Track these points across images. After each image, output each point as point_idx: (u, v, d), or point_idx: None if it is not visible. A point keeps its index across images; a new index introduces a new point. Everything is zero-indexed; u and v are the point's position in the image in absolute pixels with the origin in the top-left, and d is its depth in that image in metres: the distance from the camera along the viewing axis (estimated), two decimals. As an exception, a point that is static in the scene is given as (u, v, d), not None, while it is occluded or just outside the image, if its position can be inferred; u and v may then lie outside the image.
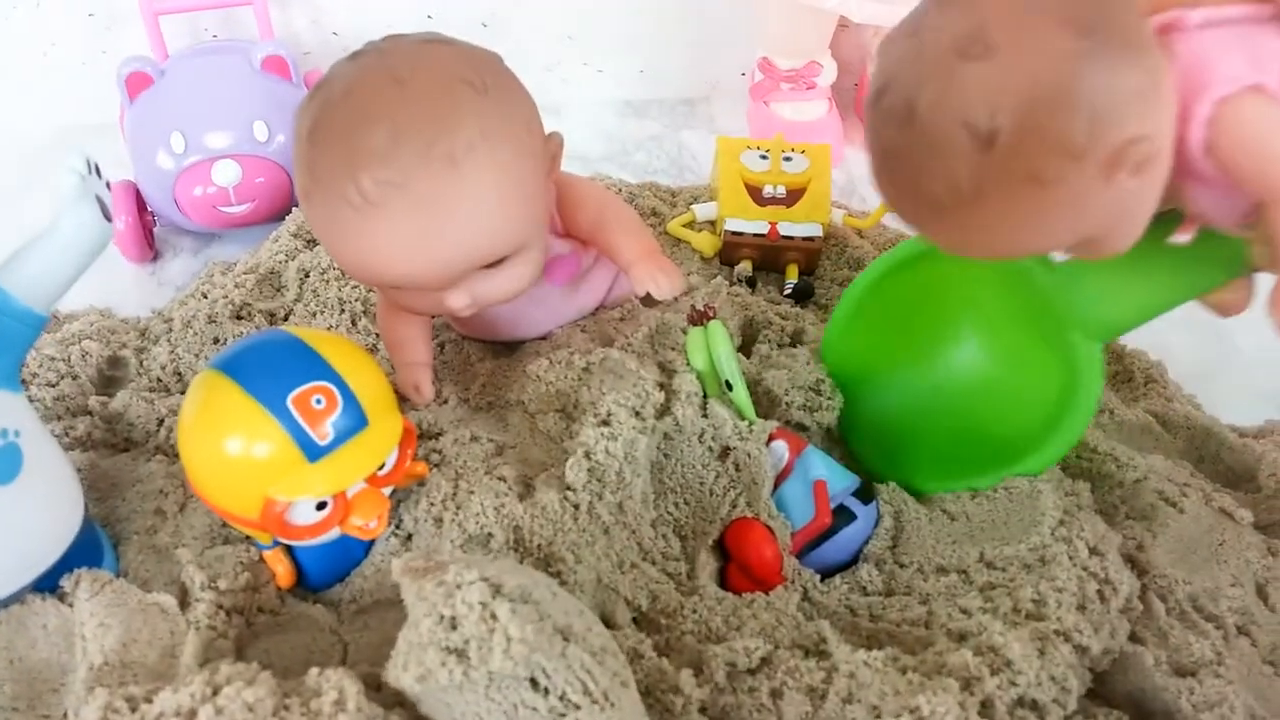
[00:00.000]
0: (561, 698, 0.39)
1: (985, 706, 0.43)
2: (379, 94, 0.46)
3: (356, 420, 0.45)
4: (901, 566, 0.53)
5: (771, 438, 0.55)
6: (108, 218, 0.46)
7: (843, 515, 0.54)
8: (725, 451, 0.55)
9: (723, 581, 0.53)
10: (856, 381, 0.60)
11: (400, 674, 0.40)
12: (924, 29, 0.39)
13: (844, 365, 0.60)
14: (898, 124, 0.39)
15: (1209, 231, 0.45)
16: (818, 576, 0.53)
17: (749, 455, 0.54)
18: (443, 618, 0.40)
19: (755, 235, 0.72)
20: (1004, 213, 0.39)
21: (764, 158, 0.75)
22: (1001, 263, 0.51)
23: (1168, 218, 0.45)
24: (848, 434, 0.61)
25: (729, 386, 0.54)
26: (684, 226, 0.76)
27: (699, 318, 0.53)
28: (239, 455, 0.44)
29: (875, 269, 0.59)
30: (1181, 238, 0.45)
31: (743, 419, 0.54)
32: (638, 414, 0.52)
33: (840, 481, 0.55)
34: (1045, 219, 0.39)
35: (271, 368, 0.44)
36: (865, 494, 0.56)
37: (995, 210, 0.39)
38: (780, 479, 0.55)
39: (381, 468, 0.47)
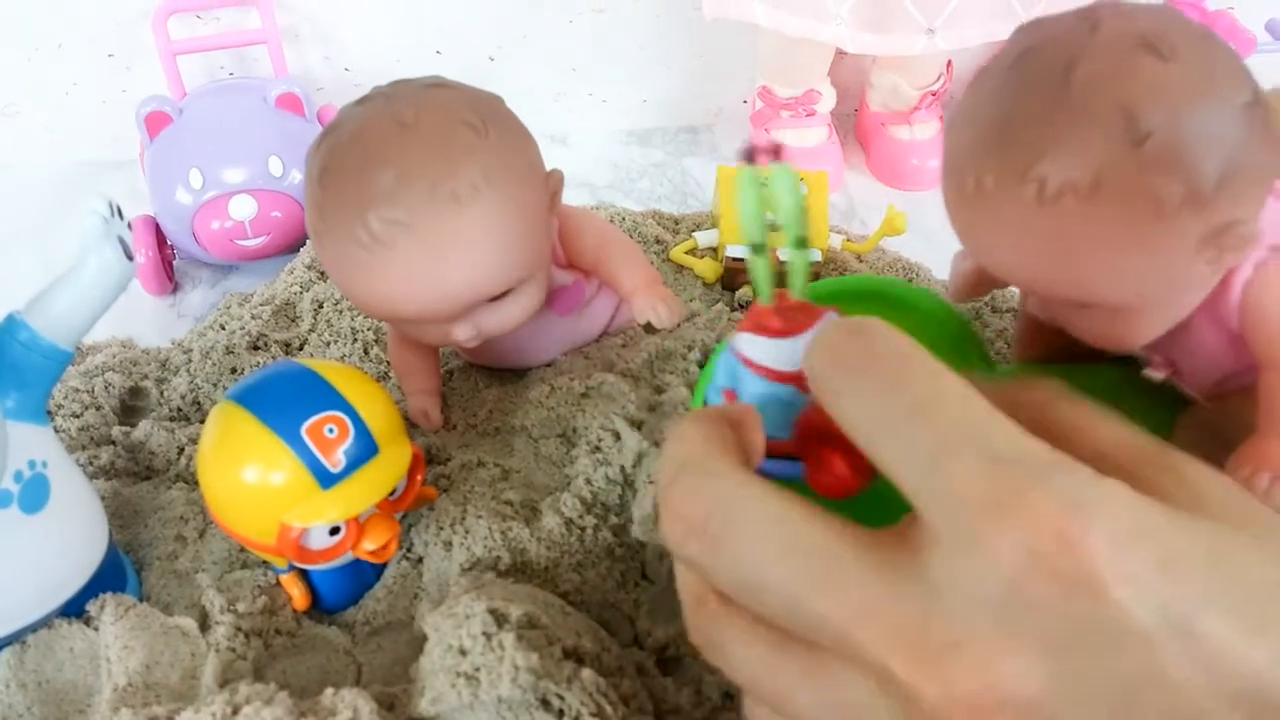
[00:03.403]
0: (576, 718, 0.41)
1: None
2: (386, 138, 0.47)
3: (368, 448, 0.47)
4: None
5: None
6: (129, 256, 0.48)
7: None
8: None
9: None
10: None
11: (418, 700, 0.42)
12: (1103, 16, 0.36)
13: None
14: (1043, 85, 0.35)
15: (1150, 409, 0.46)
16: None
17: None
18: (450, 647, 0.42)
19: (755, 261, 0.73)
20: (1102, 225, 0.35)
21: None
22: (951, 336, 0.50)
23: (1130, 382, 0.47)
24: None
25: (801, 243, 0.33)
26: (686, 253, 0.78)
27: (756, 154, 0.33)
28: (256, 484, 0.45)
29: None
30: (1155, 374, 0.45)
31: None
32: (622, 437, 0.54)
33: None
34: (1128, 252, 0.36)
35: (286, 399, 0.46)
36: None
37: (1096, 218, 0.35)
38: None
39: (392, 493, 0.49)
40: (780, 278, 0.31)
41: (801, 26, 0.78)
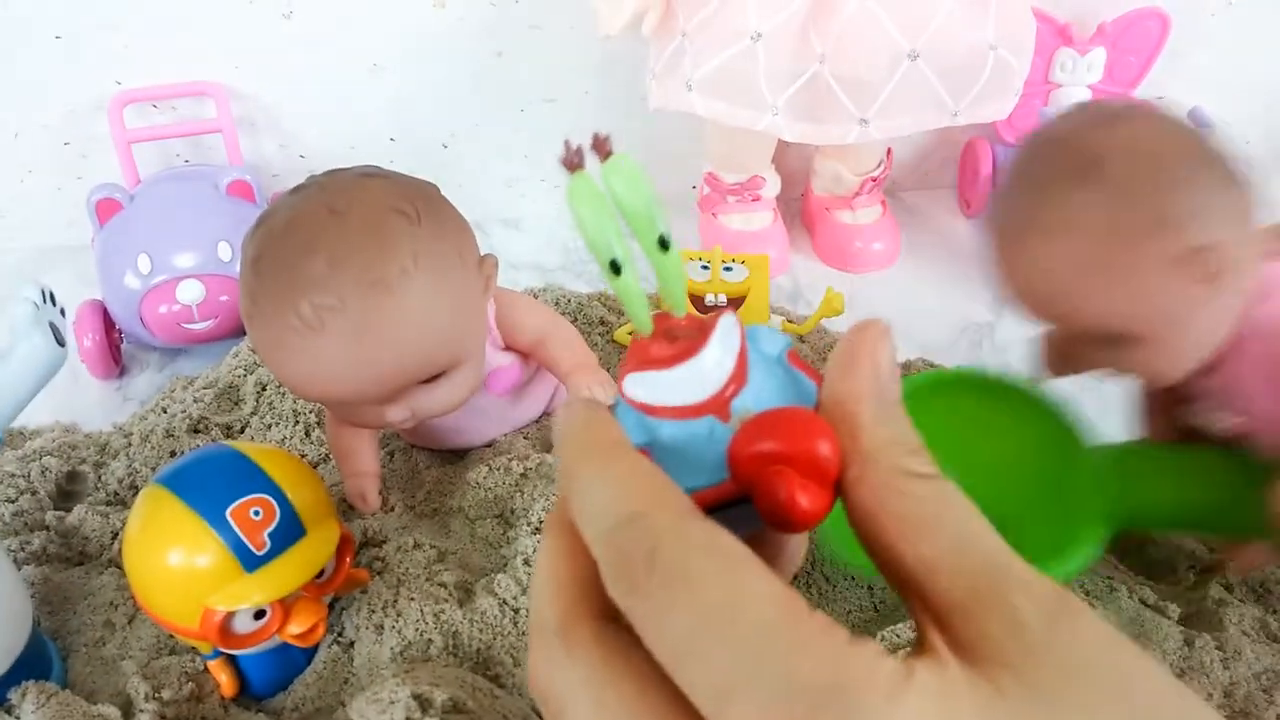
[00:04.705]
0: None
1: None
2: (318, 225, 0.49)
3: (294, 530, 0.47)
4: None
5: None
6: (60, 343, 0.49)
7: None
8: None
9: None
10: None
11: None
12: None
13: None
14: (1038, 146, 0.47)
15: (1251, 480, 0.48)
16: None
17: None
18: None
19: (697, 342, 0.75)
20: (1081, 243, 0.44)
21: (705, 268, 0.79)
22: (1048, 419, 0.52)
23: (1227, 460, 0.51)
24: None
25: (663, 244, 0.25)
26: (629, 334, 0.80)
27: (578, 158, 0.24)
28: (179, 567, 0.45)
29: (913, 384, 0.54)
30: (1224, 423, 0.50)
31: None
32: None
33: None
34: (1108, 274, 0.43)
35: (212, 482, 0.46)
36: None
37: (1077, 236, 0.44)
38: None
39: (320, 575, 0.49)
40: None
41: (739, 117, 0.80)
